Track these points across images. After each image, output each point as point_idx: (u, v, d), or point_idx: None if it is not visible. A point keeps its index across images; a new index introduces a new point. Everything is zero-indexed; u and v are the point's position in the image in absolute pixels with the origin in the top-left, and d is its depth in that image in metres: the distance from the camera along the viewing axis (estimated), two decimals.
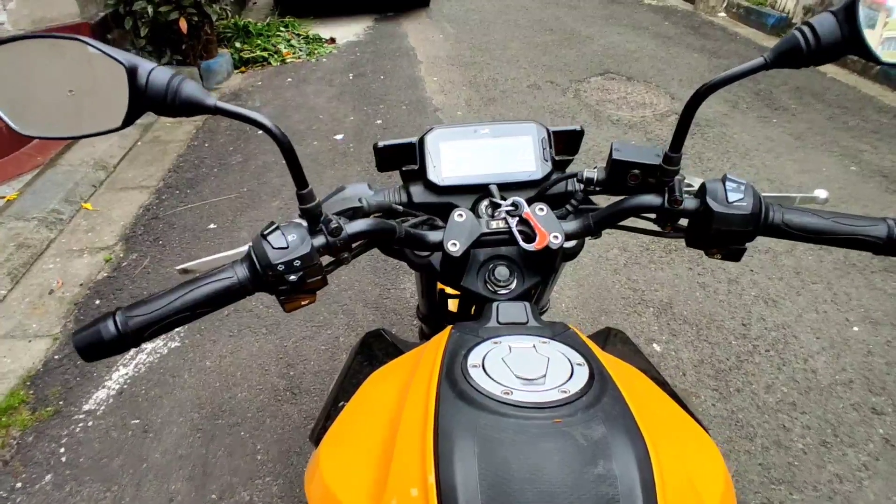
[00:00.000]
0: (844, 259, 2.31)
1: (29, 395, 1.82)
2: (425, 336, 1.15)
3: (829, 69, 4.30)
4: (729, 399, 1.75)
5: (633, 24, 5.48)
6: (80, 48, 0.47)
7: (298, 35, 5.12)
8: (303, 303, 0.60)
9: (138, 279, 2.30)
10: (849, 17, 0.48)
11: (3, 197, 2.75)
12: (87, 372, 1.89)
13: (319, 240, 0.57)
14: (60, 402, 1.80)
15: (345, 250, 0.60)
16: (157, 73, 0.48)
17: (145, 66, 0.47)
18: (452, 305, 1.03)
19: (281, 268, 0.54)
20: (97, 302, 2.19)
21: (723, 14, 5.81)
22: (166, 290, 0.53)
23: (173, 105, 0.48)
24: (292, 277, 0.54)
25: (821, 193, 0.70)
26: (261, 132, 0.51)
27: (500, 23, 5.66)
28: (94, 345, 0.50)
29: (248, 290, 0.55)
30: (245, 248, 0.64)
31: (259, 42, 4.75)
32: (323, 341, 2.00)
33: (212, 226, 2.62)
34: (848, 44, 0.49)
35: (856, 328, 1.99)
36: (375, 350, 0.78)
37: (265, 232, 0.55)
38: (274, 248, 0.54)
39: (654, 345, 1.94)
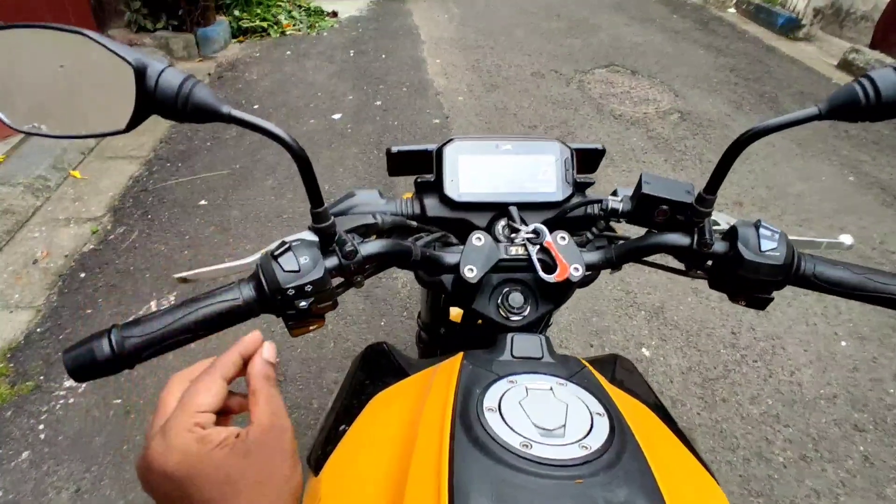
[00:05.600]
0: None
1: (8, 368, 1.78)
2: (423, 342, 1.13)
3: (828, 70, 4.27)
4: (714, 408, 1.76)
5: (641, 16, 5.39)
6: (84, 43, 0.43)
7: (300, 6, 4.99)
8: (311, 328, 0.57)
9: (125, 254, 2.25)
10: None
11: None
12: None
13: (332, 261, 0.54)
14: (41, 377, 1.77)
15: (358, 273, 0.56)
16: (167, 75, 0.44)
17: (155, 66, 0.43)
18: (454, 314, 1.02)
19: (291, 292, 0.50)
20: (82, 275, 2.15)
21: (732, 10, 5.74)
22: (165, 308, 0.50)
23: (184, 111, 0.44)
24: (303, 303, 0.51)
25: (846, 240, 0.68)
26: (267, 135, 0.47)
27: (506, 6, 5.55)
28: (87, 365, 0.46)
29: (254, 313, 0.52)
30: (248, 260, 0.61)
31: (259, 11, 4.62)
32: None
33: (202, 202, 2.57)
34: None
35: (844, 343, 2.00)
36: (377, 366, 0.75)
37: (275, 252, 0.51)
38: (284, 270, 0.50)
39: (644, 349, 1.94)
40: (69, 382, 1.76)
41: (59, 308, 2.01)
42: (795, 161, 3.14)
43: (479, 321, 0.79)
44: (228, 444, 0.37)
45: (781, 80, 4.14)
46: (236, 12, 4.51)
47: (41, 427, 1.63)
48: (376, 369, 0.74)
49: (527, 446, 0.42)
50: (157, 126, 3.15)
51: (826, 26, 5.11)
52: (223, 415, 0.42)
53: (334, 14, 5.02)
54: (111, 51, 0.42)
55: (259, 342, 0.45)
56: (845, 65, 4.36)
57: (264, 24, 4.53)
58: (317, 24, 4.77)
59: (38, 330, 1.93)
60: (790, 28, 5.00)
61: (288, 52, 4.25)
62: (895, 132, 3.52)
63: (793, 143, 3.31)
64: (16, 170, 2.61)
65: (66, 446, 1.59)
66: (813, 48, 4.84)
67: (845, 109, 0.49)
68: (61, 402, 1.70)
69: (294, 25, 4.68)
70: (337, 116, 3.37)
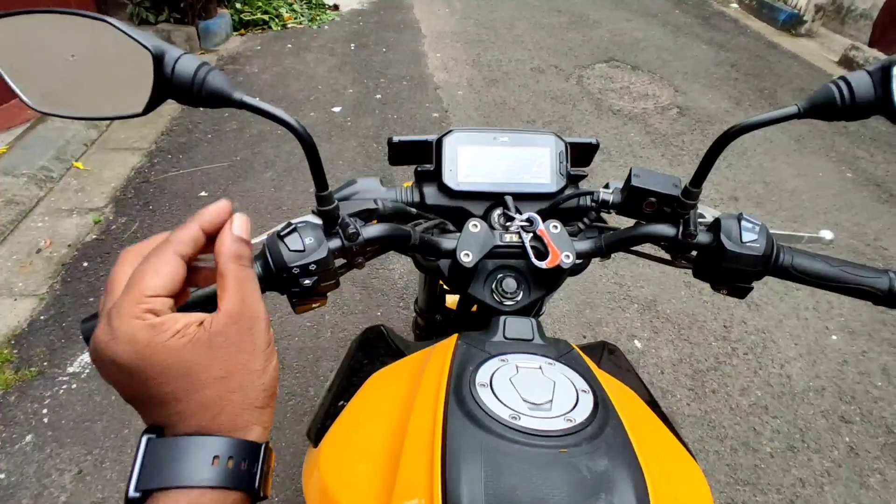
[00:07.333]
0: None
1: (13, 354, 1.82)
2: (419, 328, 1.17)
3: (829, 66, 4.27)
4: (704, 399, 1.79)
5: (642, 11, 5.39)
6: (105, 29, 0.45)
7: None
8: (314, 305, 0.60)
9: (127, 243, 2.29)
10: (883, 79, 0.48)
11: None
12: (72, 334, 1.90)
13: (335, 242, 0.57)
14: (44, 363, 1.80)
15: (360, 255, 0.60)
16: (184, 62, 0.46)
17: (172, 53, 0.46)
18: (450, 301, 1.05)
19: (296, 270, 0.53)
20: (85, 264, 2.18)
21: (735, 6, 5.72)
22: None
23: (199, 96, 0.47)
24: (307, 281, 0.54)
25: (826, 234, 0.71)
26: (277, 121, 0.49)
27: (508, 0, 5.55)
28: None
29: (260, 290, 0.55)
30: (255, 241, 0.64)
31: (260, 4, 4.63)
32: (308, 317, 2.01)
33: (203, 193, 2.60)
34: (879, 104, 0.49)
35: (834, 337, 2.03)
36: (375, 347, 0.79)
37: (281, 232, 0.54)
38: (290, 250, 0.53)
39: (636, 341, 1.97)
40: (72, 368, 1.80)
41: (61, 296, 2.04)
42: (793, 157, 3.15)
43: (475, 307, 0.82)
44: (188, 333, 0.33)
45: (782, 76, 4.14)
46: (238, 5, 4.52)
47: (44, 411, 1.67)
48: (374, 350, 0.78)
49: (515, 418, 0.45)
50: (158, 118, 3.18)
51: (828, 23, 5.10)
52: (186, 290, 0.38)
53: (336, 7, 5.03)
54: (131, 37, 0.44)
55: (227, 213, 0.38)
56: (846, 61, 4.36)
57: (266, 17, 4.54)
58: (318, 18, 4.78)
59: (42, 317, 1.96)
60: (792, 24, 4.99)
61: (289, 46, 4.26)
62: (893, 128, 3.52)
63: (790, 138, 3.32)
64: (19, 161, 2.64)
65: (69, 430, 1.63)
66: (814, 44, 4.83)
67: (823, 109, 0.51)
68: (64, 387, 1.74)
69: (295, 18, 4.69)
70: (337, 109, 3.39)
